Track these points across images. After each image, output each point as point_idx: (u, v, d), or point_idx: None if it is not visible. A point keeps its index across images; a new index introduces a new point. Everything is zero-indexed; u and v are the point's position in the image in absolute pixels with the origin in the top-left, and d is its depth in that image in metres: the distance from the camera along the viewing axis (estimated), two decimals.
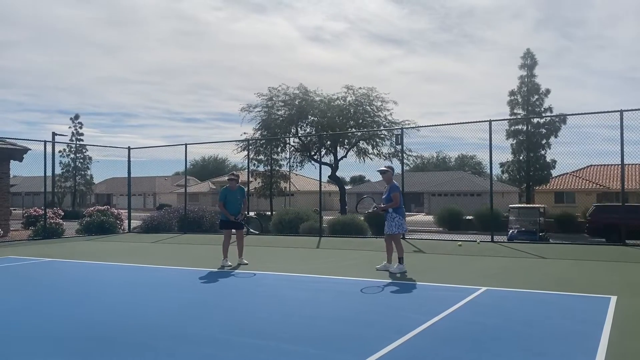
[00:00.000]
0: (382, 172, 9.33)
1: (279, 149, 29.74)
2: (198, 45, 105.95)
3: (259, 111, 29.26)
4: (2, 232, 17.06)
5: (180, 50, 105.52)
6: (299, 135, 29.24)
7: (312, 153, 29.30)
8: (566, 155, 28.46)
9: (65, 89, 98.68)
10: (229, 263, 9.81)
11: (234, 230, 10.19)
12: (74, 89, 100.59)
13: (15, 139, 19.30)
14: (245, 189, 11.04)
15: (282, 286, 7.96)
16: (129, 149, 20.60)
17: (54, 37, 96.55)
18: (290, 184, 32.47)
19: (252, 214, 20.61)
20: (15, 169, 19.80)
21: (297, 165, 30.43)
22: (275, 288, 7.81)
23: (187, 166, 20.26)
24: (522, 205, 23.06)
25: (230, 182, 10.18)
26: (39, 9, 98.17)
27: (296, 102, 28.76)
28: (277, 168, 30.39)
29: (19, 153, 19.01)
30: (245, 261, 10.05)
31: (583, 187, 38.63)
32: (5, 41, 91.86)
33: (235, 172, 11.16)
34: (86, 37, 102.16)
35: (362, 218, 17.90)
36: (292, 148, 29.87)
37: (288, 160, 30.06)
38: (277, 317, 5.87)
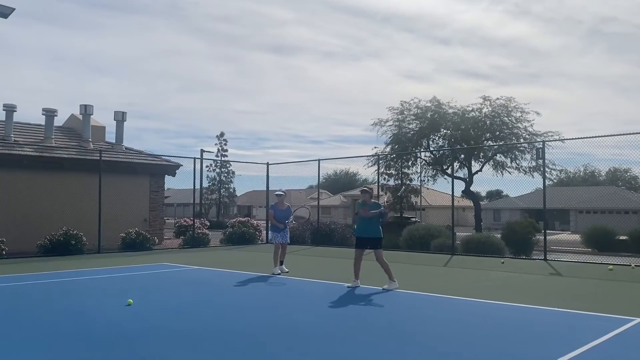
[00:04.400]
0: None
1: (410, 163, 29.42)
2: (308, 87, 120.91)
3: (390, 125, 29.27)
4: (157, 240, 18.97)
5: (296, 91, 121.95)
6: (431, 149, 28.71)
7: (445, 167, 28.56)
8: None
9: (210, 120, 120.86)
10: (359, 284, 9.31)
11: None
12: (217, 120, 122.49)
13: (169, 156, 21.51)
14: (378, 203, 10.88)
15: (410, 305, 7.85)
16: (268, 164, 21.82)
17: (201, 87, 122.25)
18: (421, 198, 31.92)
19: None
20: (169, 182, 22.05)
21: (428, 180, 29.86)
22: (408, 307, 7.72)
23: (320, 180, 20.89)
24: None
25: (364, 194, 9.45)
26: (189, 66, 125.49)
27: (428, 115, 28.30)
28: (408, 182, 30.05)
29: (172, 169, 21.16)
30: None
31: None
32: (164, 90, 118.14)
33: (368, 185, 10.68)
34: (221, 85, 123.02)
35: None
36: (424, 162, 29.39)
37: (419, 175, 29.61)
38: (421, 336, 5.80)
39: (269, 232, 11.59)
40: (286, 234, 11.45)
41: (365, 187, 9.78)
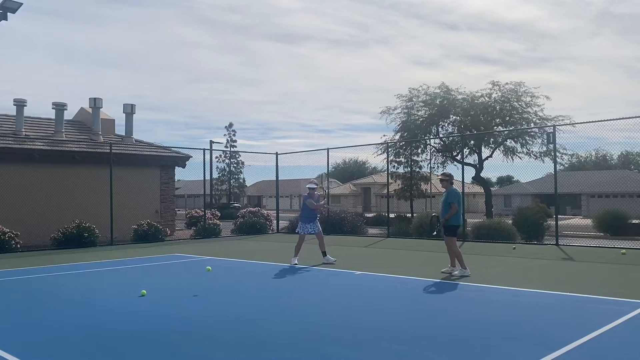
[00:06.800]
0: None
1: (419, 150, 29.29)
2: (316, 75, 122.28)
3: (399, 113, 29.11)
4: (169, 231, 19.10)
5: (302, 80, 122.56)
6: (440, 135, 28.55)
7: (455, 153, 28.41)
8: None
9: (218, 111, 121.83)
10: (466, 273, 9.12)
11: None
12: (226, 111, 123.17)
13: (179, 147, 21.59)
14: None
15: (421, 291, 7.86)
16: (277, 154, 21.83)
17: (208, 78, 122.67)
18: (431, 186, 31.83)
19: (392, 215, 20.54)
20: (179, 174, 22.17)
21: (438, 167, 29.71)
22: (418, 294, 7.74)
23: (329, 169, 20.87)
24: None
25: (442, 182, 9.70)
26: (196, 57, 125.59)
27: (437, 102, 28.09)
28: (417, 169, 29.96)
29: (182, 160, 21.26)
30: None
31: None
32: (172, 82, 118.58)
33: (447, 173, 10.20)
34: (229, 75, 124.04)
35: None
36: (433, 149, 29.24)
37: (429, 162, 29.49)
38: (420, 324, 5.82)
39: (300, 222, 11.54)
40: (316, 225, 11.39)
41: (443, 173, 9.93)
